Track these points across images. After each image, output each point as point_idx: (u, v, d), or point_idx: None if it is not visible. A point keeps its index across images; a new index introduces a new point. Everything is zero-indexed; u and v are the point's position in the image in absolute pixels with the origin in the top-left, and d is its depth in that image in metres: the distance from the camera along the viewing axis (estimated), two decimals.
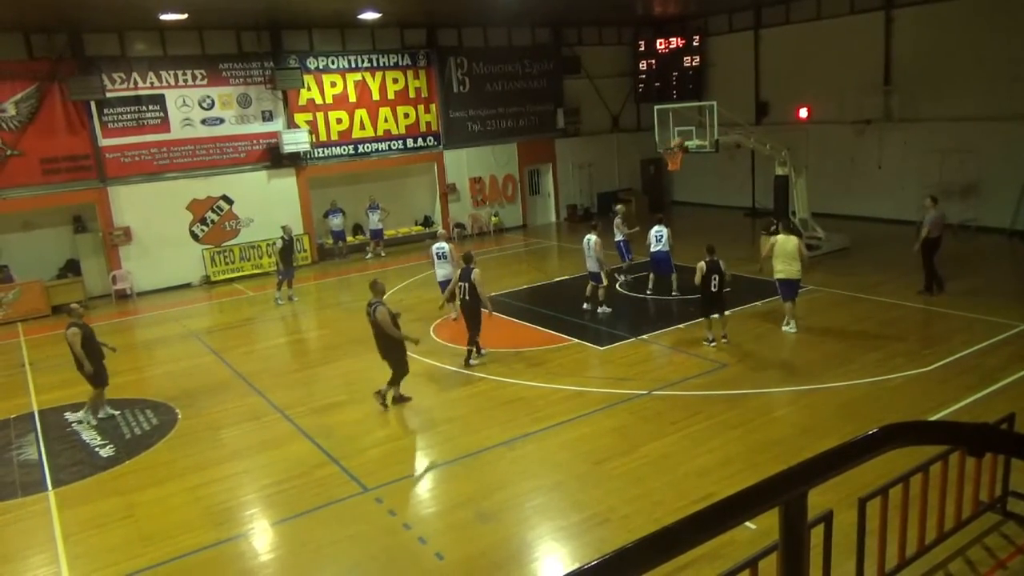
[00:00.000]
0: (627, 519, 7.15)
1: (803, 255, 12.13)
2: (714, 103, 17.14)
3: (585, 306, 14.52)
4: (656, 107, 18.34)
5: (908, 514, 5.85)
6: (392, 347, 10.29)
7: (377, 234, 21.88)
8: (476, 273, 11.61)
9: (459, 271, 12.01)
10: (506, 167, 25.01)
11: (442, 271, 14.51)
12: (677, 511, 6.80)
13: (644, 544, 1.68)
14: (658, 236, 15.00)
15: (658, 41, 25.64)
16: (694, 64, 25.20)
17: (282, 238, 17.04)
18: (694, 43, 25.13)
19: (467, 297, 11.73)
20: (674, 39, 25.39)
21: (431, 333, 13.88)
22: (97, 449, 9.90)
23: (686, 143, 17.33)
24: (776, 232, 13.07)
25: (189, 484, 8.68)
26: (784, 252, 12.16)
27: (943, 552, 6.21)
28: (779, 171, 18.09)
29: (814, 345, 11.82)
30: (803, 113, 21.91)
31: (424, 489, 8.45)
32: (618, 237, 16.41)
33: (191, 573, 6.96)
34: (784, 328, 12.46)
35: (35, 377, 13.19)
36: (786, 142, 18.34)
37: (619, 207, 17.79)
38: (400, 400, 10.59)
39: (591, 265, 14.32)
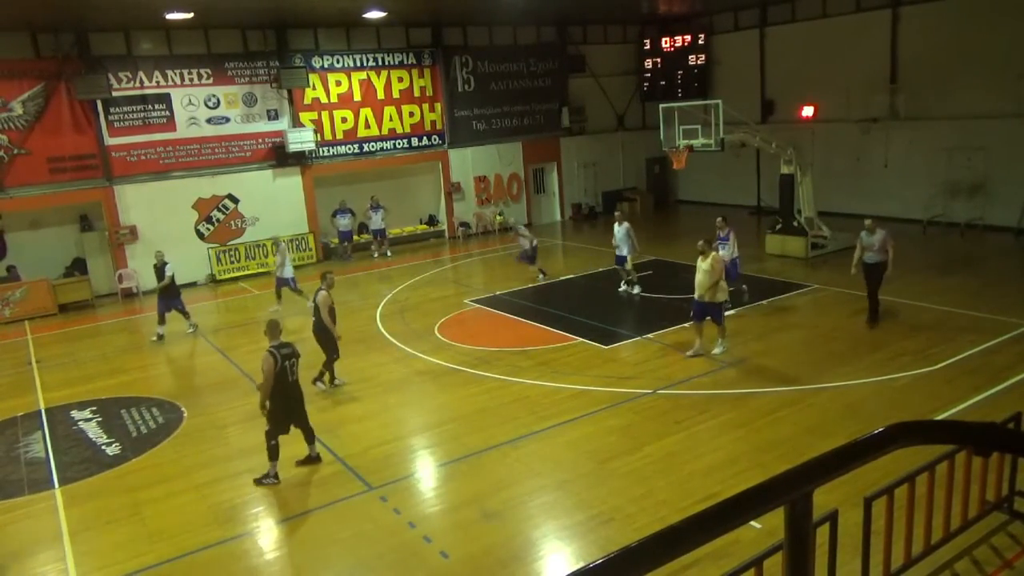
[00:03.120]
0: (632, 518, 7.14)
1: (718, 276, 11.06)
2: (719, 102, 17.09)
3: (623, 288, 15.75)
4: (661, 106, 18.29)
5: (914, 513, 5.83)
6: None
7: (380, 233, 21.90)
8: (321, 296, 10.94)
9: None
10: (511, 166, 25.00)
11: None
12: (682, 510, 6.80)
13: (649, 543, 1.68)
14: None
15: (663, 39, 25.59)
16: (699, 62, 25.15)
17: (154, 265, 14.68)
18: (699, 41, 25.08)
19: (312, 317, 11.11)
20: (679, 37, 25.34)
21: (435, 332, 13.89)
22: (103, 447, 9.94)
23: (691, 142, 17.30)
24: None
25: (195, 482, 8.71)
26: (699, 270, 11.27)
27: (949, 552, 6.19)
28: (785, 170, 18.05)
29: (819, 344, 11.79)
30: (808, 111, 21.85)
31: (429, 488, 8.46)
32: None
33: (197, 571, 6.98)
34: (715, 350, 11.50)
35: (42, 375, 13.24)
36: (792, 140, 18.29)
37: (619, 212, 17.85)
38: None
39: (625, 250, 15.41)
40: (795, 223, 17.89)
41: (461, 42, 23.47)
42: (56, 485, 8.92)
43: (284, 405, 8.44)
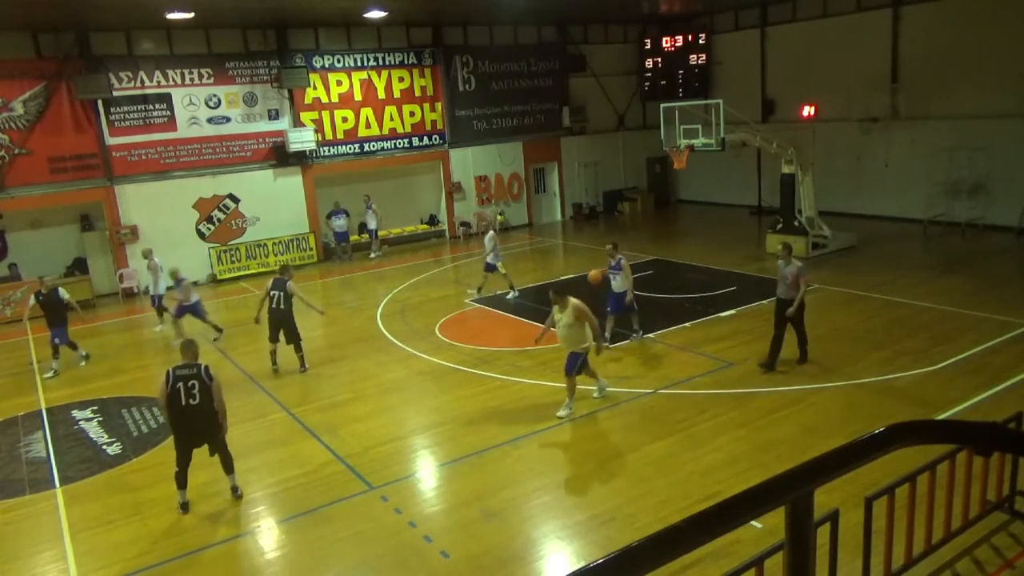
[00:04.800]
0: (632, 518, 7.14)
1: (591, 321, 9.49)
2: (720, 101, 17.10)
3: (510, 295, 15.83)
4: (662, 105, 18.31)
5: (915, 513, 5.83)
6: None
7: (372, 233, 21.85)
8: (290, 285, 11.98)
9: (272, 280, 12.21)
10: (512, 165, 25.00)
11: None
12: (682, 510, 6.80)
13: (650, 543, 1.68)
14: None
15: (664, 39, 25.57)
16: (700, 62, 25.14)
17: (39, 292, 13.43)
18: (700, 41, 25.07)
19: (281, 306, 11.90)
20: (680, 37, 25.33)
21: (436, 332, 13.89)
22: (104, 447, 9.95)
23: (692, 141, 17.31)
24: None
25: (196, 482, 8.67)
26: (559, 325, 9.61)
27: (950, 551, 6.19)
28: (785, 169, 18.05)
29: (820, 344, 11.77)
30: (809, 111, 21.83)
31: (429, 487, 8.46)
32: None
33: (198, 570, 6.98)
34: (559, 412, 9.70)
35: (43, 375, 13.24)
36: (792, 140, 18.28)
37: (486, 223, 17.84)
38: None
39: (491, 257, 15.66)
40: (796, 223, 17.88)
41: (462, 41, 23.46)
42: (57, 485, 8.92)
43: (176, 430, 7.87)
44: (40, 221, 18.54)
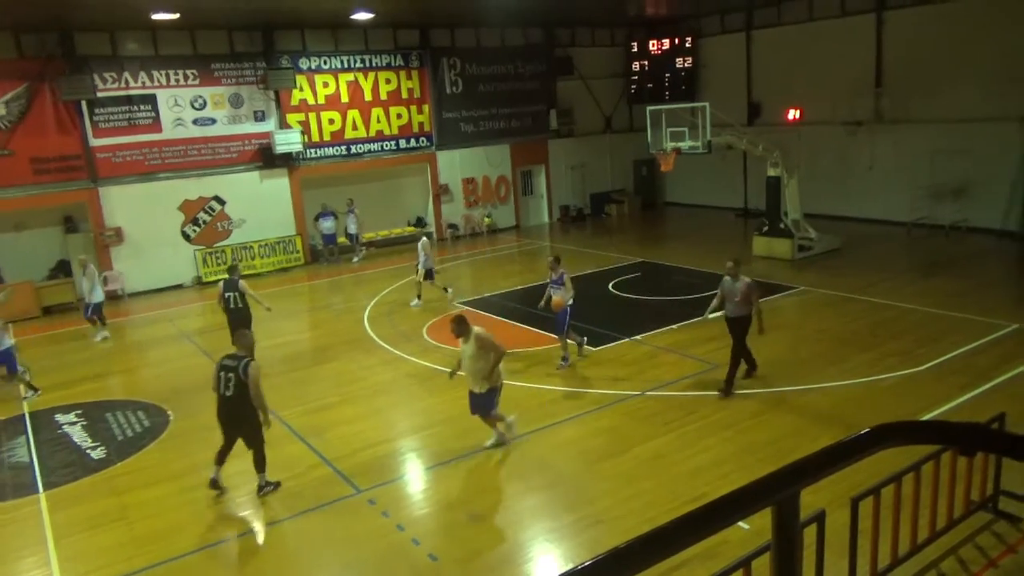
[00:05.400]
0: (620, 519, 7.15)
1: (496, 358, 8.44)
2: (706, 104, 17.19)
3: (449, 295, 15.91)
4: (648, 108, 18.38)
5: (900, 513, 5.87)
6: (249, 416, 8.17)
7: (354, 237, 21.69)
8: (243, 283, 12.58)
9: (222, 283, 12.78)
10: (499, 168, 25.02)
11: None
12: (670, 511, 6.82)
13: (638, 544, 1.69)
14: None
15: (651, 42, 25.69)
16: (686, 65, 25.25)
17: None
18: (686, 44, 25.19)
19: (239, 305, 12.47)
20: (667, 40, 25.45)
21: (424, 334, 13.87)
22: (88, 451, 9.85)
23: (679, 144, 17.39)
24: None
25: (182, 486, 8.65)
26: (465, 357, 8.65)
27: (935, 551, 6.24)
28: (771, 172, 18.17)
29: (806, 345, 11.86)
30: (794, 114, 22.00)
31: (417, 490, 8.44)
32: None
33: (185, 574, 6.93)
34: (487, 442, 8.96)
35: (26, 379, 13.07)
36: (778, 143, 18.41)
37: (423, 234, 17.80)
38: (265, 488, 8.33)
39: (427, 262, 15.66)
40: (781, 225, 18.00)
41: (449, 44, 23.46)
42: (41, 490, 8.82)
43: (217, 416, 8.23)
44: (23, 223, 18.35)
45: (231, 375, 7.99)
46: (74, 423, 10.85)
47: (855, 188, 21.54)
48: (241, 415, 8.07)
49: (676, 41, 25.30)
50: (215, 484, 8.24)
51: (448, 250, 22.68)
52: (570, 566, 1.58)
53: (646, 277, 17.31)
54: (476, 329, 8.52)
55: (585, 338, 12.16)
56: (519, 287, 17.11)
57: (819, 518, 5.19)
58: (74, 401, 11.78)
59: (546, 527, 7.26)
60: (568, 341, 11.70)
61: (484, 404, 8.71)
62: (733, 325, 10.02)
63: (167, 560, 7.10)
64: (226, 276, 13.02)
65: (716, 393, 9.92)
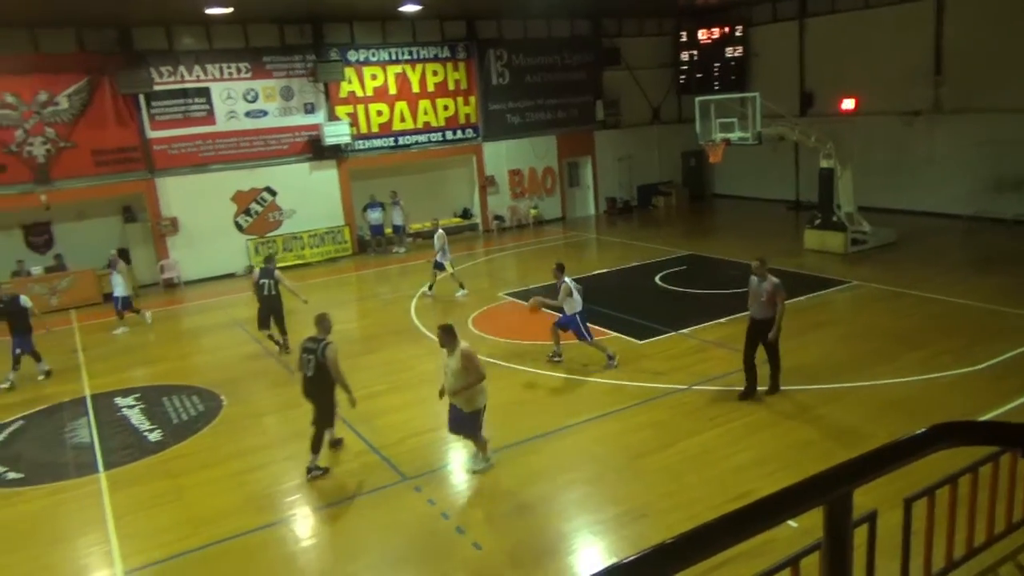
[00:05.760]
0: (665, 514, 7.12)
1: (475, 377, 7.97)
2: (757, 95, 16.87)
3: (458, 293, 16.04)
4: (697, 99, 18.11)
5: (956, 516, 5.72)
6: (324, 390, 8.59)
7: (400, 229, 21.96)
8: (278, 273, 13.07)
9: (258, 270, 13.33)
10: (545, 159, 24.95)
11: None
12: (715, 507, 6.76)
13: (685, 540, 1.69)
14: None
15: (700, 31, 25.28)
16: (737, 55, 24.80)
17: (4, 298, 12.75)
18: (737, 33, 24.73)
19: (272, 293, 12.85)
20: (716, 29, 25.02)
21: (469, 325, 13.96)
22: (146, 433, 10.20)
23: (728, 135, 17.12)
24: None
25: (234, 469, 8.89)
26: (448, 370, 8.13)
27: (992, 556, 6.06)
28: (824, 163, 17.75)
29: (857, 341, 11.59)
30: (849, 104, 21.44)
31: (462, 479, 8.51)
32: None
33: (237, 555, 7.13)
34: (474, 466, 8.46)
35: (87, 363, 13.60)
36: (831, 134, 17.96)
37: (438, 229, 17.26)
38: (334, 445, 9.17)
39: (440, 255, 15.88)
40: (834, 218, 17.58)
41: (495, 35, 23.46)
42: (101, 469, 9.17)
43: (302, 392, 8.78)
44: (85, 212, 19.01)
45: (311, 356, 8.40)
46: (132, 406, 11.23)
47: (911, 180, 20.90)
48: (317, 394, 8.49)
49: (726, 30, 24.86)
50: (334, 443, 8.98)
51: (494, 241, 22.75)
52: (614, 560, 1.59)
53: (693, 270, 17.11)
54: (463, 344, 8.04)
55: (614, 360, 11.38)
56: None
57: (870, 518, 5.08)
58: (132, 385, 12.19)
59: (590, 520, 7.26)
60: (598, 345, 11.42)
61: (466, 424, 8.17)
62: (759, 327, 9.49)
63: (219, 541, 7.32)
64: (263, 264, 13.50)
65: (762, 389, 9.76)
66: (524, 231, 24.00)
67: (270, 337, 13.19)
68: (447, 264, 15.99)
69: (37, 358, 12.89)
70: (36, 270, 18.22)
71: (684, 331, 12.64)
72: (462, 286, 16.18)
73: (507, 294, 16.03)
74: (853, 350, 11.19)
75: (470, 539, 7.04)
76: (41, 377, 12.87)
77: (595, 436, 9.05)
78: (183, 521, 7.78)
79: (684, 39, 25.77)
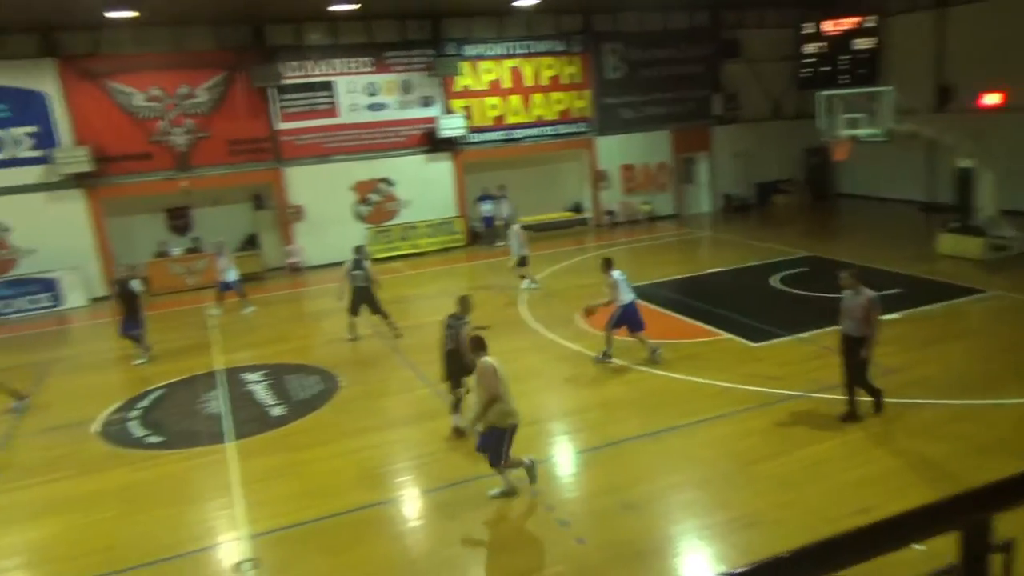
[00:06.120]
0: (777, 524, 6.89)
1: (492, 393, 7.50)
2: (891, 89, 15.94)
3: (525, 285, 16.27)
4: (823, 93, 17.30)
5: None
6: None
7: (505, 222, 21.94)
8: (367, 264, 13.63)
9: (351, 261, 13.70)
10: (659, 155, 24.53)
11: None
12: (832, 521, 6.50)
13: (804, 554, 1.62)
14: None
15: (827, 22, 24.06)
16: (866, 47, 23.42)
17: (117, 280, 13.32)
18: (868, 24, 23.36)
19: (365, 284, 13.53)
20: (845, 20, 23.73)
21: (577, 319, 13.96)
22: (269, 408, 10.84)
23: (855, 131, 16.28)
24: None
25: (349, 447, 9.32)
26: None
27: None
28: (962, 163, 16.57)
29: (995, 355, 10.78)
30: (992, 99, 19.85)
31: (567, 473, 8.57)
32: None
33: (348, 529, 7.48)
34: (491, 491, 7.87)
35: (219, 339, 14.56)
36: (972, 131, 16.72)
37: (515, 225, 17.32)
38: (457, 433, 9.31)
39: (517, 249, 16.23)
40: (973, 222, 16.38)
41: (611, 28, 23.24)
42: (229, 440, 9.82)
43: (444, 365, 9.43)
44: (219, 199, 20.34)
45: (452, 333, 9.19)
46: (259, 382, 11.95)
47: None
48: (461, 366, 9.12)
49: (858, 20, 23.53)
50: (457, 432, 9.19)
51: (605, 237, 22.61)
52: (723, 569, 1.57)
53: (815, 272, 16.38)
54: (485, 359, 7.58)
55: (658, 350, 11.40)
56: (677, 276, 16.76)
57: (1007, 547, 4.76)
58: (259, 362, 12.96)
59: (698, 524, 7.15)
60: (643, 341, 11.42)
61: (488, 445, 7.63)
62: (848, 344, 8.71)
63: (333, 515, 7.70)
64: (354, 256, 13.81)
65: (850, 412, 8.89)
66: (636, 227, 23.70)
67: (352, 325, 13.66)
68: (515, 257, 16.30)
69: (138, 341, 13.08)
70: (176, 251, 19.69)
71: (802, 335, 12.15)
72: (527, 278, 16.49)
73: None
74: (988, 365, 10.43)
75: (574, 533, 7.09)
76: (137, 362, 13.18)
77: (703, 439, 8.87)
78: (301, 493, 8.23)
79: (809, 31, 24.55)
